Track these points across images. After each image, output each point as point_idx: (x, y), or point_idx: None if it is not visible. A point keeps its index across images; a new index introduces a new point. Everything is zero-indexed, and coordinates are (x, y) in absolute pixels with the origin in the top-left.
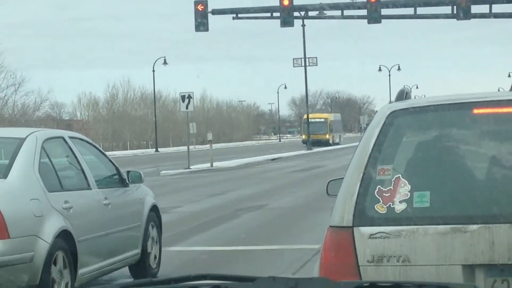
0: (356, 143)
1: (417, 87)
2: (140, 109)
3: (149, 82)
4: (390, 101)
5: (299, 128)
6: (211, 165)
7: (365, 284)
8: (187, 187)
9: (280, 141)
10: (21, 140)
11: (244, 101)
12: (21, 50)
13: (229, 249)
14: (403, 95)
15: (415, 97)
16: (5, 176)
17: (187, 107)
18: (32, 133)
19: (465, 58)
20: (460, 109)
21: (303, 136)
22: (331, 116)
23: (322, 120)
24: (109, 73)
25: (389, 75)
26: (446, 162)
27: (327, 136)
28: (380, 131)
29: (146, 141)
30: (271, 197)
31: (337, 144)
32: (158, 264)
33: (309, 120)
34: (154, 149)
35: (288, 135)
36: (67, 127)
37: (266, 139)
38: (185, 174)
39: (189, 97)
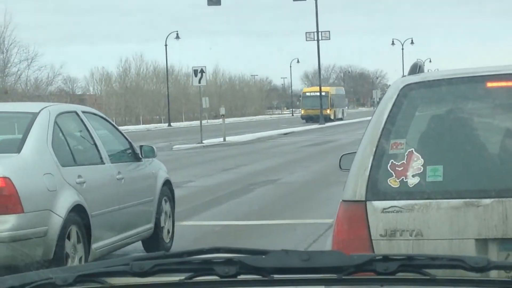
0: (360, 119)
1: (430, 61)
2: (153, 83)
3: (162, 56)
4: (403, 75)
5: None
6: (224, 140)
7: (377, 257)
8: (200, 162)
9: (292, 115)
10: (34, 115)
11: (257, 75)
12: (33, 24)
13: (242, 223)
14: (416, 68)
15: (428, 71)
16: (18, 150)
17: (199, 82)
18: (45, 107)
19: (480, 31)
20: (473, 82)
21: (302, 111)
22: (332, 90)
23: (322, 93)
24: (122, 47)
25: (402, 49)
26: (459, 136)
27: (328, 111)
28: (393, 105)
29: (158, 116)
30: (284, 171)
31: (340, 119)
32: (171, 238)
33: (307, 94)
34: (167, 124)
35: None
36: (80, 102)
37: (279, 114)
38: (197, 148)
39: (202, 71)
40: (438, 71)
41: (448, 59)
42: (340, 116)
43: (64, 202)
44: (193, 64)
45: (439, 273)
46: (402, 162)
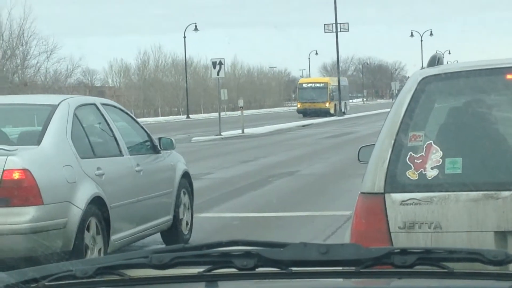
0: (364, 113)
1: (449, 53)
2: (172, 75)
3: (180, 48)
4: (422, 67)
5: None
6: (242, 132)
7: (395, 250)
8: (219, 154)
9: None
10: (54, 107)
11: (275, 67)
12: (52, 16)
13: (261, 215)
14: (435, 60)
15: (447, 63)
16: (38, 143)
17: (218, 74)
18: (64, 100)
19: (500, 22)
20: (493, 74)
21: (298, 105)
22: (332, 80)
23: (321, 85)
24: (140, 39)
25: (421, 41)
26: (478, 128)
27: (327, 105)
28: (412, 97)
29: (177, 108)
30: (303, 163)
31: (342, 114)
32: (190, 230)
33: (304, 85)
34: (186, 116)
35: None
36: (99, 94)
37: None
38: (216, 140)
39: (220, 63)
40: (457, 63)
41: (467, 51)
42: (343, 109)
43: (84, 194)
44: (211, 56)
45: (457, 266)
46: (420, 154)
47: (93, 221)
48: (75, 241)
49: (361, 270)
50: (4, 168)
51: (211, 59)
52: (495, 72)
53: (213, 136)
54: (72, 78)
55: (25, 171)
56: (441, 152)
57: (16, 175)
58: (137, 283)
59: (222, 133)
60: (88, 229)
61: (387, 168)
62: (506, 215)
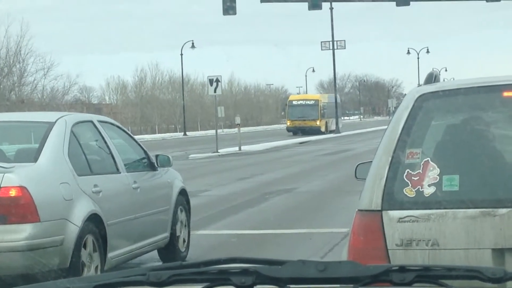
0: (356, 131)
1: (446, 70)
2: (169, 92)
3: (177, 65)
4: (419, 84)
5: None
6: (239, 149)
7: (394, 268)
8: (216, 171)
9: (343, 121)
10: (51, 124)
11: (272, 84)
12: (49, 34)
13: (258, 232)
14: (432, 78)
15: (444, 80)
16: (35, 160)
17: (215, 91)
18: (61, 117)
19: (496, 40)
20: (489, 92)
21: (287, 122)
22: (323, 97)
23: (311, 102)
24: (137, 56)
25: (418, 58)
26: (475, 145)
27: (318, 123)
28: (409, 114)
29: (174, 125)
30: (300, 181)
31: (333, 131)
32: (187, 247)
33: (294, 102)
34: (183, 133)
35: None
36: (96, 111)
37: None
38: (213, 157)
39: (217, 80)
40: (454, 81)
41: (464, 68)
42: (333, 128)
43: (80, 211)
44: (208, 73)
45: (456, 284)
46: (418, 171)
47: (90, 239)
48: (72, 258)
49: (359, 287)
50: (1, 185)
51: (208, 76)
52: (491, 90)
53: (210, 153)
54: (69, 95)
55: (22, 188)
56: (438, 169)
57: (13, 192)
58: None
59: (219, 150)
60: (85, 247)
61: (385, 185)
62: (503, 232)
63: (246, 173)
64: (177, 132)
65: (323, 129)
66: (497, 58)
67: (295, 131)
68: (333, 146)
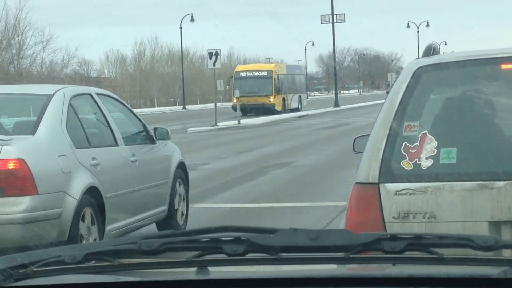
0: (355, 105)
1: (445, 44)
2: (168, 66)
3: (177, 39)
4: (418, 57)
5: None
6: (238, 122)
7: (385, 236)
8: (214, 144)
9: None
10: (49, 97)
11: (272, 58)
12: (48, 7)
13: (256, 206)
14: (431, 50)
15: (443, 53)
16: (33, 132)
17: (214, 64)
18: (59, 89)
19: (496, 14)
20: (488, 64)
21: (233, 99)
22: (279, 68)
23: (263, 73)
24: (137, 30)
25: (418, 32)
26: (473, 118)
27: (271, 100)
28: (407, 87)
29: (173, 99)
30: (298, 154)
31: (296, 110)
32: (185, 220)
33: (242, 74)
34: (182, 106)
35: (315, 92)
36: (95, 85)
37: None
38: (212, 131)
39: (216, 54)
40: (452, 53)
41: (464, 42)
42: (294, 105)
43: (79, 184)
44: (208, 46)
45: (447, 252)
46: (415, 144)
47: (88, 211)
48: (70, 231)
49: (350, 255)
50: None
51: (207, 49)
52: (490, 62)
53: (209, 126)
54: (68, 68)
55: (20, 160)
56: (436, 142)
57: (11, 165)
58: (126, 268)
59: (218, 124)
60: (83, 219)
61: (382, 158)
62: (500, 205)
63: (245, 147)
64: (176, 105)
65: (278, 107)
66: (498, 32)
67: (244, 110)
68: (332, 120)
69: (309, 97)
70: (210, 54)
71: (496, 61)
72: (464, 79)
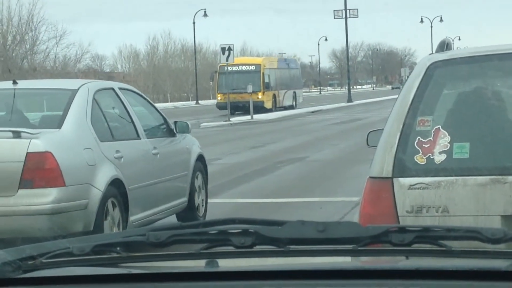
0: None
1: (459, 39)
2: (181, 61)
3: (190, 34)
4: (432, 53)
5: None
6: (251, 118)
7: (393, 229)
8: (227, 139)
9: (320, 93)
10: (74, 92)
11: (285, 53)
12: (62, 2)
13: (269, 201)
14: (444, 46)
15: (456, 48)
16: (59, 126)
17: (227, 59)
18: (83, 84)
19: (511, 7)
20: (501, 60)
21: (218, 97)
22: (269, 61)
23: (251, 68)
24: (150, 25)
25: (431, 27)
26: (486, 113)
27: (260, 96)
28: (420, 82)
29: (186, 94)
30: (311, 150)
31: (290, 108)
32: (205, 212)
33: (228, 69)
34: (195, 102)
35: (328, 87)
36: (108, 79)
37: (307, 92)
38: (225, 126)
39: (229, 49)
40: (466, 49)
41: (478, 37)
42: (288, 103)
43: (103, 176)
44: (221, 41)
45: (455, 245)
46: (428, 139)
47: (112, 203)
48: (95, 221)
49: (359, 248)
50: (28, 151)
51: (220, 44)
52: (504, 58)
53: (222, 122)
54: (82, 63)
55: (47, 153)
56: (449, 137)
57: (39, 158)
58: (134, 260)
59: (231, 119)
60: (107, 210)
61: (395, 152)
62: None
63: (258, 142)
64: (189, 100)
65: (268, 104)
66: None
67: (231, 108)
68: (345, 115)
69: (322, 92)
70: (223, 49)
71: (509, 56)
72: (477, 75)
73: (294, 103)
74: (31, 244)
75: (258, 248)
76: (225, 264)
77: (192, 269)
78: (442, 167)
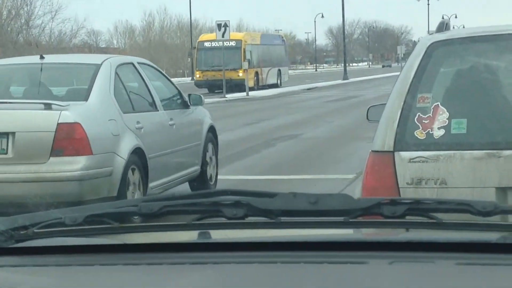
0: (364, 77)
1: (456, 17)
2: (177, 37)
3: (186, 10)
4: (428, 30)
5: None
6: (247, 94)
7: (385, 201)
8: (223, 116)
9: (316, 71)
10: (98, 66)
11: (281, 30)
12: None
13: (263, 178)
14: (443, 26)
15: (453, 27)
16: (86, 99)
17: (223, 36)
18: (106, 59)
19: None
20: (499, 40)
21: (196, 74)
22: (250, 37)
23: (231, 44)
24: (146, 1)
25: (428, 4)
26: (483, 91)
27: (240, 74)
28: (421, 61)
29: (182, 70)
30: (306, 127)
31: (274, 86)
32: (215, 181)
33: (207, 44)
34: (191, 78)
35: (324, 64)
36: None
37: (303, 69)
38: (220, 103)
39: (225, 25)
40: (464, 29)
41: (474, 14)
42: (273, 81)
43: (126, 146)
44: (216, 18)
45: (446, 217)
46: (428, 115)
47: (134, 170)
48: (119, 187)
49: (350, 220)
50: (59, 122)
51: (216, 21)
52: (500, 38)
53: (218, 98)
54: (77, 38)
55: (76, 124)
56: (448, 113)
57: (69, 128)
58: (126, 231)
59: (226, 96)
60: (130, 177)
61: (397, 128)
62: (507, 173)
63: (253, 119)
64: (185, 77)
65: (250, 83)
66: (509, 4)
67: (209, 86)
68: (341, 93)
69: (318, 69)
70: (219, 26)
71: (507, 37)
72: (475, 54)
73: (278, 81)
74: (23, 214)
75: (249, 219)
76: (217, 235)
77: (184, 239)
78: (440, 141)
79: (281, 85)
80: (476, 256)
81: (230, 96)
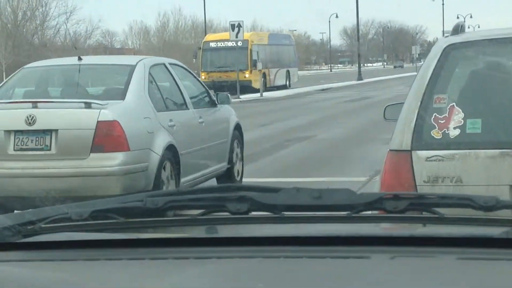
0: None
1: (471, 17)
2: (191, 38)
3: (200, 11)
4: (443, 30)
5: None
6: (261, 95)
7: (387, 196)
8: (237, 117)
9: (331, 71)
10: (132, 67)
11: (295, 30)
12: None
13: (276, 180)
14: (459, 28)
15: (469, 27)
16: (123, 98)
17: (237, 36)
18: (140, 60)
19: None
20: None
21: (202, 75)
22: (257, 37)
23: (238, 44)
24: (160, 1)
25: (443, 4)
26: (497, 92)
27: (247, 75)
28: (437, 63)
29: (196, 71)
30: (320, 128)
31: (283, 88)
32: (241, 177)
33: (213, 45)
34: None
35: (339, 65)
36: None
37: (317, 69)
38: (234, 103)
39: (239, 26)
40: (480, 31)
41: (489, 13)
42: (281, 82)
43: (160, 142)
44: (231, 18)
45: (449, 212)
46: (444, 115)
47: (167, 165)
48: (154, 181)
49: (353, 215)
50: (98, 120)
51: (230, 21)
52: None
53: (232, 99)
54: (92, 39)
55: (115, 122)
56: (463, 114)
57: (108, 126)
58: (131, 226)
59: (240, 96)
60: (164, 172)
61: (414, 127)
62: None
63: (267, 120)
64: (199, 77)
65: (256, 84)
66: None
67: (214, 88)
68: (355, 93)
69: (332, 70)
70: (233, 26)
71: None
72: (489, 56)
73: (287, 82)
74: (30, 209)
75: (253, 214)
76: (221, 230)
77: (188, 234)
78: (456, 141)
79: (289, 86)
80: (477, 251)
81: (244, 97)
